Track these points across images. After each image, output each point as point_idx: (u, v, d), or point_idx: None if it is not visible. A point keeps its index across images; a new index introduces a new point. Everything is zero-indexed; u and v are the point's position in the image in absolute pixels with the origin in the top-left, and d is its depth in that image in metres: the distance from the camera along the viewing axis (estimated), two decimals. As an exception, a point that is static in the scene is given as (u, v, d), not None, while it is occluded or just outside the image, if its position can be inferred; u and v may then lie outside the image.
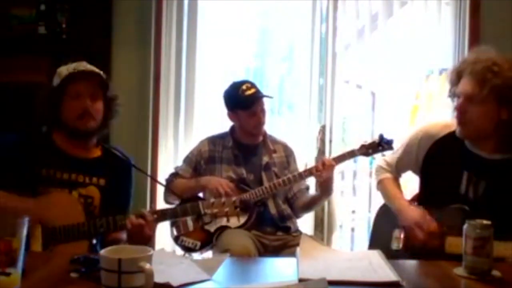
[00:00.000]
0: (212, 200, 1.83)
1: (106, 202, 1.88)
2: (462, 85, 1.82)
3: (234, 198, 1.82)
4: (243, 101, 2.56)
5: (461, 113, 1.81)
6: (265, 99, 2.63)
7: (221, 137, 2.67)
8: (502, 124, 1.78)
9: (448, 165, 1.89)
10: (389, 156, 2.18)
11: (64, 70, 1.92)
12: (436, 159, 1.93)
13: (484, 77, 1.75)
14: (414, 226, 1.87)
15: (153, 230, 1.76)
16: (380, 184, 2.12)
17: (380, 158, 2.24)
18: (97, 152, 1.99)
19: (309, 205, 2.66)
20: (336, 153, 3.17)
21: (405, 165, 2.08)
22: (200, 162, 2.62)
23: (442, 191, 1.91)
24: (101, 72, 1.96)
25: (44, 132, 1.97)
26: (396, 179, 2.12)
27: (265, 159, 2.62)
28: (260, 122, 2.60)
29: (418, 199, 2.06)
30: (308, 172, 2.53)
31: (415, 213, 1.90)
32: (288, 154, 2.71)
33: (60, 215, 1.75)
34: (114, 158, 2.02)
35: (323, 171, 2.45)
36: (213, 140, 2.66)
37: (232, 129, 2.69)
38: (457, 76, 1.86)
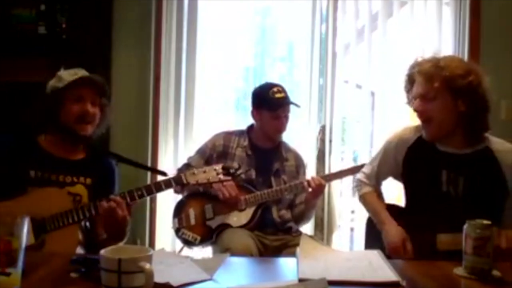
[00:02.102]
0: (193, 170, 1.92)
1: (94, 200, 1.90)
2: (415, 87, 1.89)
3: (214, 166, 1.91)
4: (270, 101, 2.56)
5: (421, 113, 1.87)
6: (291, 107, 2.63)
7: (237, 134, 2.66)
8: (462, 117, 1.84)
9: (427, 167, 1.93)
10: (366, 167, 2.19)
11: (66, 75, 1.95)
12: (415, 162, 1.96)
13: (432, 72, 1.82)
14: (391, 250, 1.89)
15: (125, 212, 1.79)
16: (362, 199, 2.15)
17: (359, 172, 2.25)
18: (81, 154, 2.04)
19: (301, 217, 2.67)
20: (336, 153, 3.20)
21: (386, 173, 2.11)
22: (213, 155, 2.61)
23: (425, 192, 1.94)
24: (103, 80, 2.00)
25: (28, 135, 2.00)
26: (376, 191, 2.13)
27: (276, 165, 2.62)
28: (281, 128, 2.60)
29: (406, 202, 2.08)
30: (304, 184, 2.52)
31: (394, 236, 1.91)
32: (299, 165, 2.71)
33: (49, 207, 1.80)
34: (98, 158, 2.07)
35: (314, 188, 2.49)
36: (229, 136, 2.65)
37: (249, 129, 2.69)
38: (409, 82, 1.94)
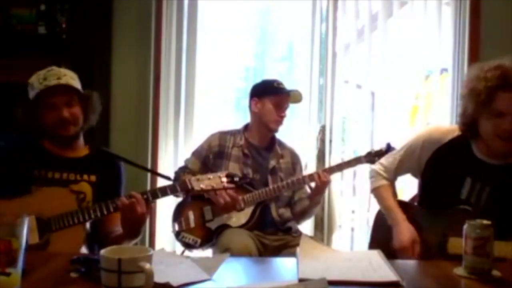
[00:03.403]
0: (198, 176, 1.91)
1: (98, 197, 1.91)
2: (506, 103, 1.73)
3: (219, 173, 1.91)
4: (275, 89, 2.61)
5: None
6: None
7: (232, 133, 2.67)
8: None
9: (451, 171, 1.89)
10: (386, 159, 2.15)
11: (36, 81, 1.92)
12: (439, 164, 1.92)
13: None
14: (400, 249, 1.88)
15: (144, 209, 1.78)
16: (376, 191, 2.11)
17: (376, 162, 2.22)
18: (85, 151, 2.04)
19: (303, 213, 2.67)
20: (336, 153, 3.19)
21: (406, 168, 2.07)
22: (209, 156, 2.61)
23: (443, 195, 1.91)
24: (71, 81, 1.95)
25: (31, 136, 2.01)
26: (391, 185, 2.10)
27: (272, 163, 2.63)
28: (280, 118, 2.61)
29: (418, 201, 2.06)
30: (308, 179, 2.54)
31: (405, 236, 1.90)
32: (295, 162, 2.71)
33: (54, 207, 1.80)
34: (103, 155, 2.08)
35: (320, 184, 2.50)
36: (224, 136, 2.66)
37: (245, 128, 2.70)
38: (490, 94, 1.75)
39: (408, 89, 3.26)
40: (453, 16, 3.19)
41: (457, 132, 1.91)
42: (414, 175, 2.07)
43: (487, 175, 1.83)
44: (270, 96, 2.60)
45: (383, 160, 2.16)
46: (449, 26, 3.20)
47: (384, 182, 2.09)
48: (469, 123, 1.85)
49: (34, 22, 3.00)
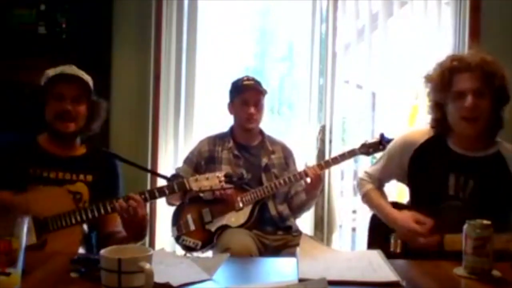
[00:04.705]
0: (196, 176, 1.91)
1: (95, 197, 1.90)
2: (463, 82, 1.79)
3: (217, 173, 1.91)
4: (239, 88, 2.62)
5: (473, 109, 1.78)
6: (265, 99, 2.66)
7: (221, 137, 2.67)
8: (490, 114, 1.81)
9: (434, 169, 1.90)
10: (370, 167, 2.18)
11: (51, 72, 1.95)
12: (421, 164, 1.93)
13: (489, 68, 1.77)
14: (409, 232, 1.85)
15: (145, 211, 1.78)
16: (365, 197, 2.12)
17: (362, 171, 2.23)
18: (81, 150, 2.03)
19: (301, 207, 2.67)
20: (336, 153, 3.18)
21: (388, 175, 2.09)
22: (201, 162, 2.62)
23: (431, 194, 1.91)
24: (85, 77, 1.98)
25: (29, 134, 2.00)
26: (379, 188, 2.11)
27: (264, 160, 2.63)
28: (251, 115, 2.59)
29: (409, 205, 2.07)
30: (303, 174, 2.54)
31: (405, 219, 1.88)
32: (287, 156, 2.71)
33: (51, 207, 1.79)
34: (99, 154, 2.07)
35: (314, 179, 2.49)
36: (213, 140, 2.66)
37: (232, 129, 2.70)
38: (448, 78, 1.83)
39: (408, 89, 3.26)
40: (453, 16, 3.19)
41: (432, 133, 1.94)
42: (400, 180, 2.08)
43: (468, 168, 1.85)
44: (236, 97, 2.62)
45: (369, 169, 2.18)
46: (449, 26, 3.20)
47: (370, 186, 2.10)
48: (439, 118, 1.90)
49: (34, 22, 3.01)
